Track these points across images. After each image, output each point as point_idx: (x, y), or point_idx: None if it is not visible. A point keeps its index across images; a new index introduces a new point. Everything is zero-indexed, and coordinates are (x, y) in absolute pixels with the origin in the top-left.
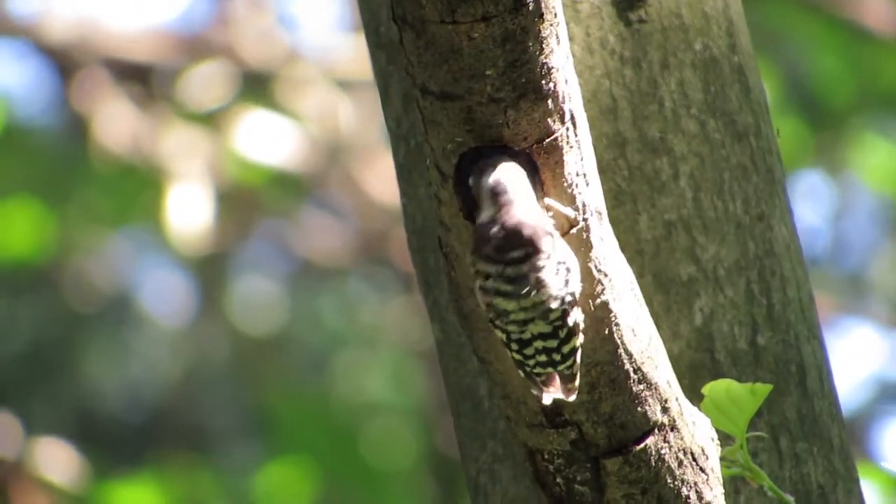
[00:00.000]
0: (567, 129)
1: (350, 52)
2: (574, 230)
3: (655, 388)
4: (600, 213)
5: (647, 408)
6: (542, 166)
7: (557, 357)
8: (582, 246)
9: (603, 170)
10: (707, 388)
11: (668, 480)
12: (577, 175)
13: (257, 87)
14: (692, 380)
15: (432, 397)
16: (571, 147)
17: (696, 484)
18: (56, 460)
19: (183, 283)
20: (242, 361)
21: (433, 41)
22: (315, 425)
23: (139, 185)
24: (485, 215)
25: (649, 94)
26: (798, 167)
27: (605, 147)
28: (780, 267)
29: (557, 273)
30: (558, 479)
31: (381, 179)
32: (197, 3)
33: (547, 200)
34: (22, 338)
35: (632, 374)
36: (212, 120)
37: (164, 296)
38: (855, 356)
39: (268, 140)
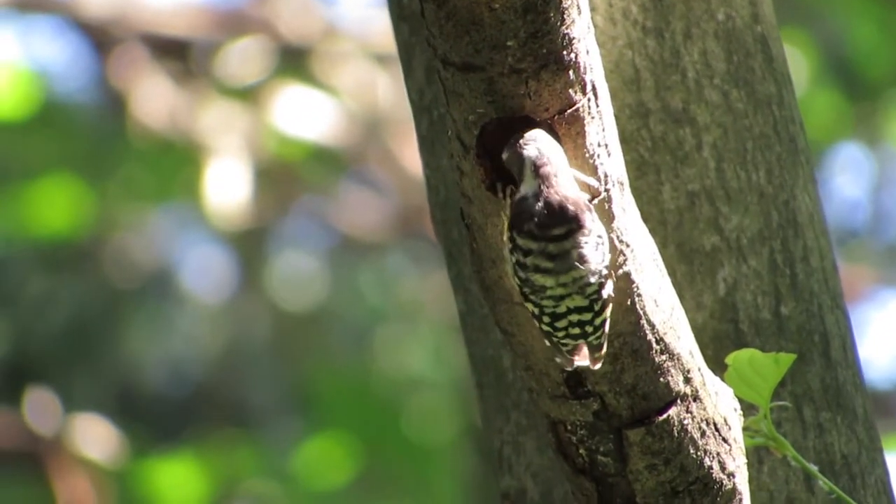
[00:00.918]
0: (588, 99)
1: (386, 25)
2: (596, 201)
3: (678, 359)
4: (622, 184)
5: (670, 378)
6: (564, 137)
7: (590, 329)
8: (604, 216)
9: (626, 140)
10: (731, 358)
11: (691, 451)
12: (599, 146)
13: (295, 61)
14: (716, 350)
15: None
16: (593, 118)
17: (718, 454)
18: (96, 437)
19: (223, 259)
20: (283, 337)
21: (454, 12)
22: (355, 400)
23: (178, 161)
24: (525, 188)
25: (672, 64)
26: (836, 139)
27: (627, 118)
28: (804, 236)
29: (597, 248)
30: (581, 450)
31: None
32: None
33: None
34: (62, 314)
35: (654, 345)
36: (250, 95)
37: (204, 271)
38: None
39: (306, 115)
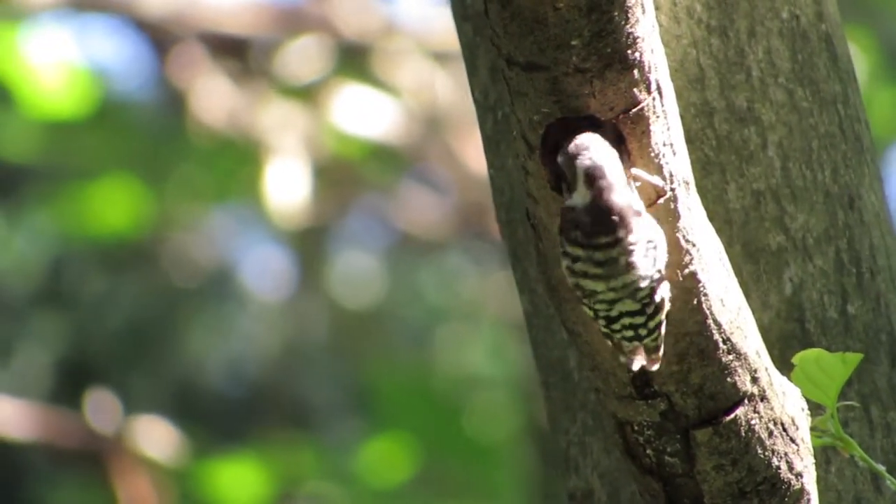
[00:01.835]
0: (653, 98)
1: (445, 22)
2: (661, 200)
3: (745, 359)
4: (688, 183)
5: (737, 378)
6: (629, 136)
7: (644, 332)
8: (669, 216)
9: (690, 139)
10: (797, 358)
11: (759, 451)
12: (664, 145)
13: (354, 60)
14: (782, 350)
15: (532, 370)
16: (658, 117)
17: (786, 454)
18: (156, 437)
19: (282, 258)
20: (342, 336)
21: (519, 12)
22: (416, 399)
23: (237, 160)
24: (577, 198)
25: (736, 63)
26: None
27: (692, 117)
28: (870, 235)
29: (647, 254)
30: (648, 451)
31: (479, 152)
32: None
33: (634, 170)
34: (122, 315)
35: (721, 345)
36: (309, 94)
37: (263, 271)
38: None
39: (365, 113)
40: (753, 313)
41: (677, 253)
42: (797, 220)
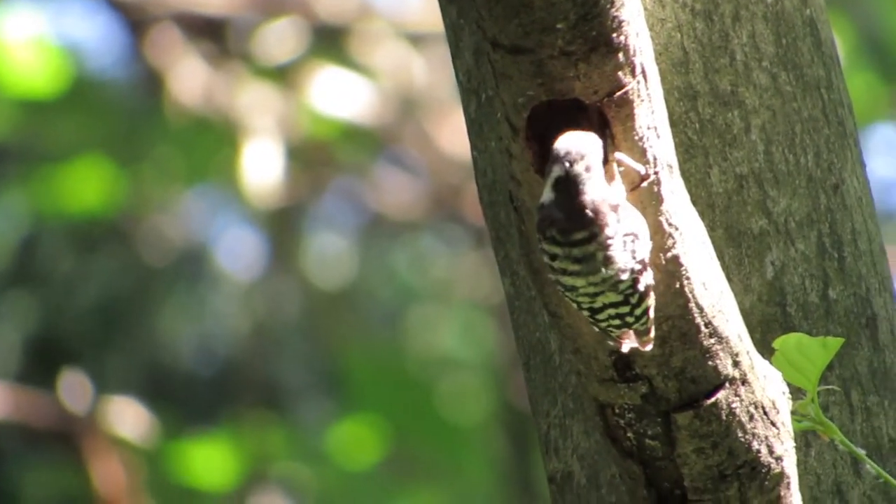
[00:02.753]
0: (638, 82)
1: (422, 5)
2: (645, 184)
3: (726, 342)
4: (671, 167)
5: (718, 362)
6: (613, 120)
7: (631, 319)
8: (653, 199)
9: (674, 123)
10: (778, 342)
11: (739, 434)
12: (648, 128)
13: (330, 41)
14: (763, 334)
15: (503, 352)
16: (642, 100)
17: (766, 438)
18: (128, 417)
19: (255, 238)
20: (314, 316)
21: None
22: (387, 380)
23: (213, 141)
24: (546, 195)
25: (721, 46)
26: (872, 121)
27: (676, 100)
28: (852, 220)
29: (625, 247)
30: (629, 434)
31: (453, 134)
32: None
33: (617, 155)
34: (95, 294)
35: (703, 328)
36: (285, 75)
37: (236, 251)
38: None
39: (340, 95)
40: (735, 297)
41: (660, 236)
42: (779, 204)
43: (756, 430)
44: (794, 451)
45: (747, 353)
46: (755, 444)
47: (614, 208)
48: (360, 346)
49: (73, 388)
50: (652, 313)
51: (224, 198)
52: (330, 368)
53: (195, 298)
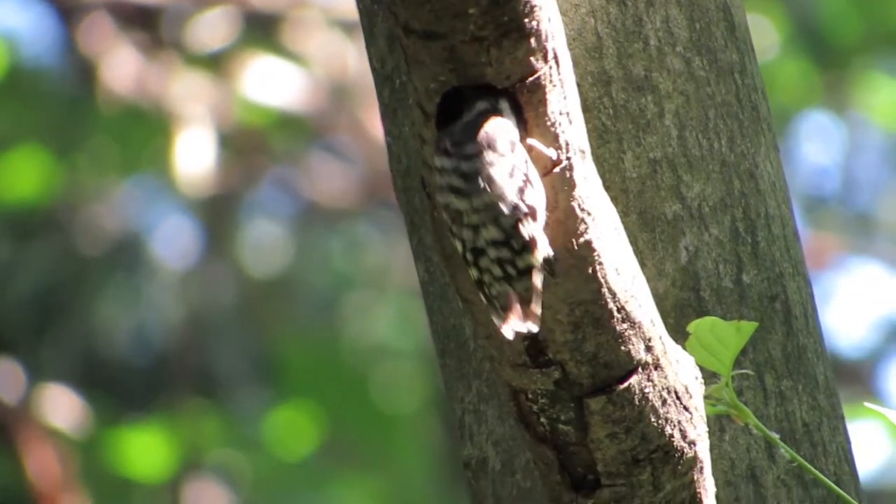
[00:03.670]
0: (550, 67)
1: None
2: (557, 169)
3: (639, 327)
4: (584, 152)
5: (631, 347)
6: (526, 105)
7: (512, 271)
8: (565, 185)
9: (588, 108)
10: (692, 326)
11: (652, 419)
12: (561, 114)
13: (263, 30)
14: (677, 318)
15: None
16: (555, 86)
17: (679, 422)
18: (62, 406)
19: (190, 227)
20: (250, 304)
21: None
22: (323, 368)
23: (147, 130)
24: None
25: (634, 31)
26: (805, 107)
27: (589, 85)
28: (766, 204)
29: (512, 176)
30: (542, 419)
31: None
32: None
33: (529, 141)
34: (29, 283)
35: (615, 313)
36: (218, 64)
37: (171, 240)
38: (864, 296)
39: (273, 83)
40: (649, 282)
41: (573, 221)
42: (693, 189)
43: (669, 415)
44: (707, 435)
45: (660, 337)
46: (668, 429)
47: (511, 143)
48: (296, 334)
49: (6, 377)
50: (538, 283)
51: (159, 187)
52: (265, 357)
53: (130, 287)
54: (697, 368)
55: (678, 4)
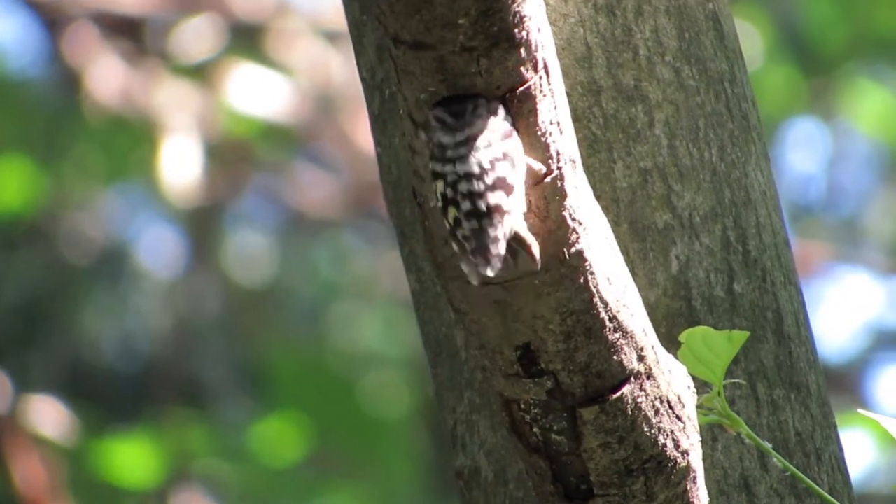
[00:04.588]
0: (540, 77)
1: (338, 2)
2: (548, 179)
3: (631, 337)
4: (574, 162)
5: (623, 356)
6: (516, 115)
7: (482, 206)
8: (556, 195)
9: (578, 118)
10: (684, 336)
11: (645, 429)
12: (551, 123)
13: (247, 39)
14: (669, 328)
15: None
16: (545, 96)
17: (672, 432)
18: (49, 415)
19: (176, 237)
20: (236, 314)
21: None
22: (309, 377)
23: (132, 140)
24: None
25: (623, 41)
26: (791, 114)
27: (579, 95)
28: (756, 213)
29: (490, 146)
30: (535, 429)
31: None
32: None
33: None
34: (15, 292)
35: (607, 323)
36: (202, 73)
37: (157, 249)
38: (850, 304)
39: (258, 93)
40: (640, 291)
41: (564, 231)
42: (684, 199)
43: (662, 425)
44: (700, 445)
45: (652, 347)
46: (661, 439)
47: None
48: (283, 343)
49: None
50: (507, 229)
51: (144, 196)
52: (252, 366)
53: (116, 296)
54: (690, 378)
55: (667, 14)
